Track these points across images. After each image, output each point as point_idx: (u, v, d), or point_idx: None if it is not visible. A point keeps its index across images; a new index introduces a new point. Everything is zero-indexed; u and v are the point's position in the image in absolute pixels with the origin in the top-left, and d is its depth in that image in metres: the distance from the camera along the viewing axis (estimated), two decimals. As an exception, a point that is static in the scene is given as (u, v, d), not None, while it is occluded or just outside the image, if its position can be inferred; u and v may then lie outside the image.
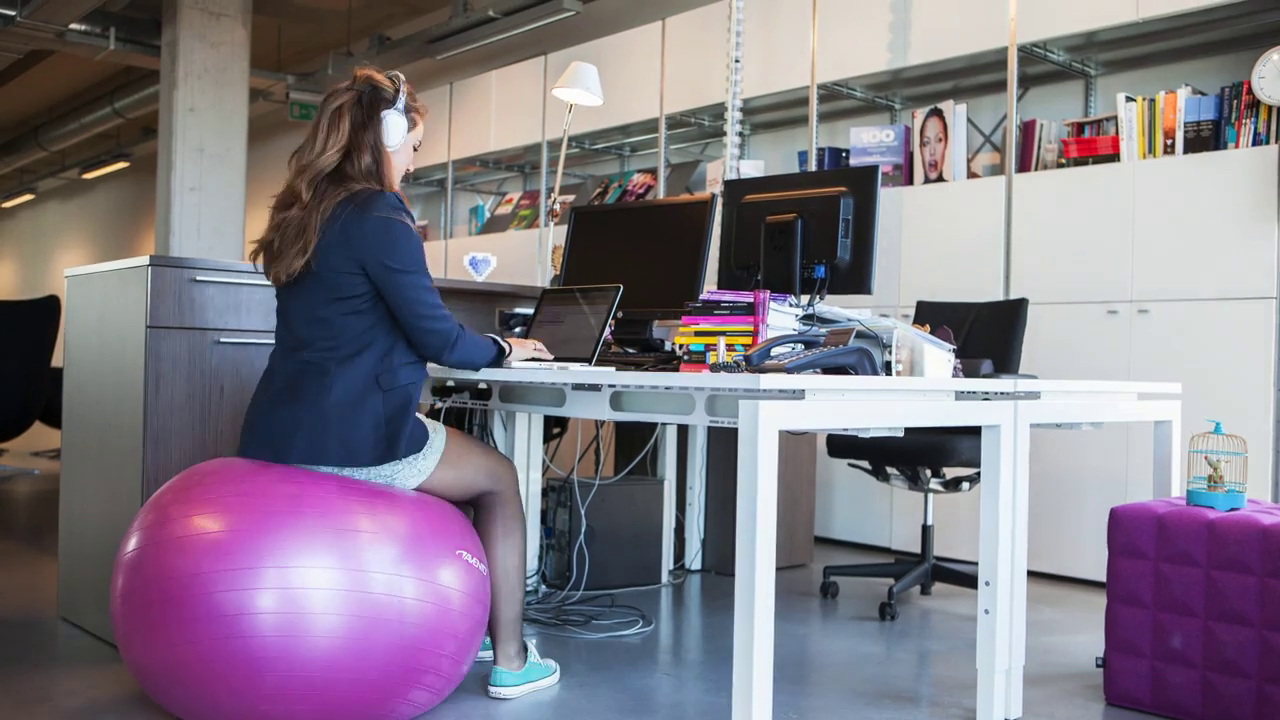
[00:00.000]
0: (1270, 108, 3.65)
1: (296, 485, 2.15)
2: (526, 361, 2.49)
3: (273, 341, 2.45)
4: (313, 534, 2.07)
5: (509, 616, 2.48)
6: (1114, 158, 4.02)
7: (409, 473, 2.31)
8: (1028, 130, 4.33)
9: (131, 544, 2.17)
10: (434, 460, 2.35)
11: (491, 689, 2.48)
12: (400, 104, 2.35)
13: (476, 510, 2.51)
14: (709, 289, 2.55)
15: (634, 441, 4.07)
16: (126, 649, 2.15)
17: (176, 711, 2.15)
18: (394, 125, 2.33)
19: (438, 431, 2.39)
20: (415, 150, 2.46)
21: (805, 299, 2.51)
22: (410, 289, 2.23)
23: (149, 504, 2.23)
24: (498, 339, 2.43)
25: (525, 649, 2.55)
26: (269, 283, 2.35)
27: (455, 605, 2.20)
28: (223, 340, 2.82)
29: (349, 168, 2.29)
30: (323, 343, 2.24)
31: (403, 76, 2.42)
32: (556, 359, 2.55)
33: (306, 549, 2.06)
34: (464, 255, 4.11)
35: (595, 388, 2.39)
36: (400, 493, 2.28)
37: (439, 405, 3.04)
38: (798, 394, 2.00)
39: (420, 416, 2.37)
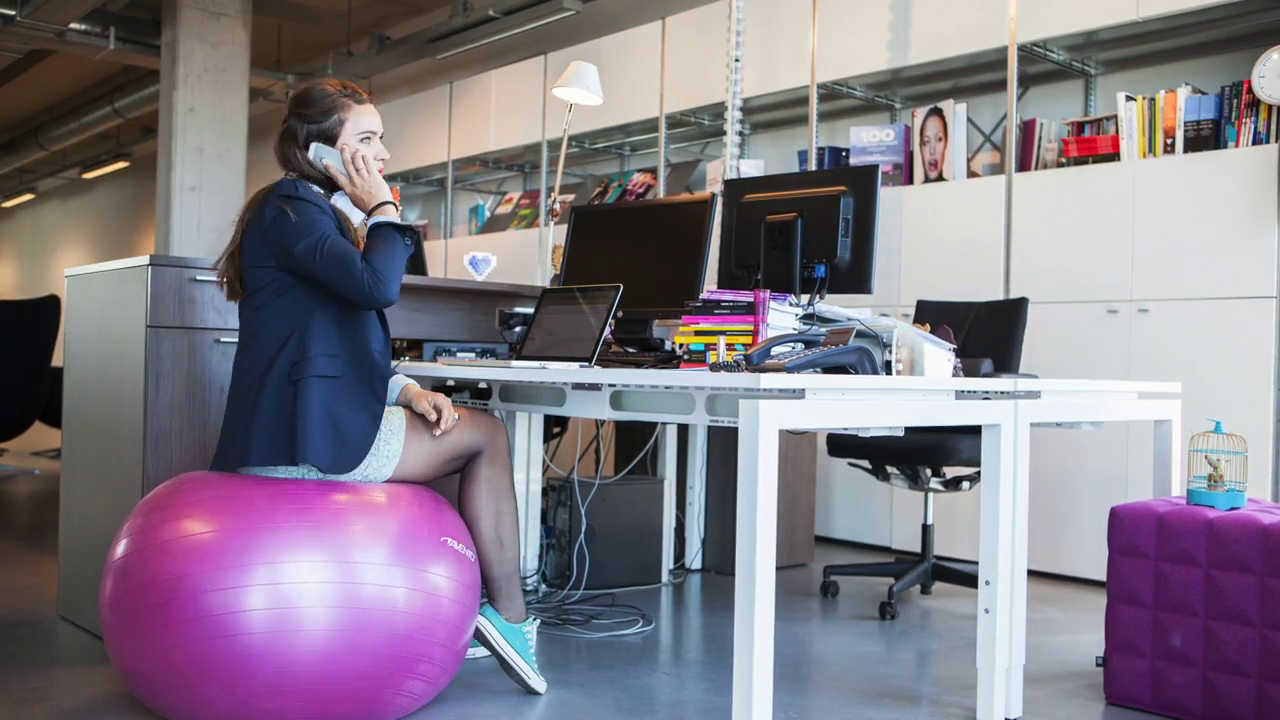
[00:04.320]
0: (1270, 107, 3.65)
1: (274, 486, 2.18)
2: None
3: None
4: (296, 531, 2.09)
5: (493, 576, 2.46)
6: (1114, 157, 4.02)
7: (376, 464, 2.31)
8: (1028, 130, 4.33)
9: (118, 550, 2.18)
10: (397, 445, 2.33)
11: (479, 617, 2.42)
12: (312, 127, 2.38)
13: (461, 473, 2.49)
14: (709, 288, 2.55)
15: (634, 441, 4.07)
16: (117, 655, 2.16)
17: (169, 714, 2.15)
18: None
19: (393, 414, 2.37)
20: (371, 138, 2.41)
21: (805, 298, 2.51)
22: (311, 261, 2.23)
23: (134, 511, 2.25)
24: (387, 222, 2.30)
25: (527, 618, 2.52)
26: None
27: (445, 592, 2.20)
28: (223, 340, 2.82)
29: (301, 181, 2.39)
30: (248, 346, 2.32)
31: (321, 83, 2.42)
32: (555, 358, 2.54)
33: (291, 545, 2.07)
34: (464, 255, 4.11)
35: (595, 387, 2.39)
36: (380, 484, 2.29)
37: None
38: (798, 393, 2.00)
39: (357, 420, 2.29)
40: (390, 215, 2.34)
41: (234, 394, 2.33)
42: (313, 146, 2.37)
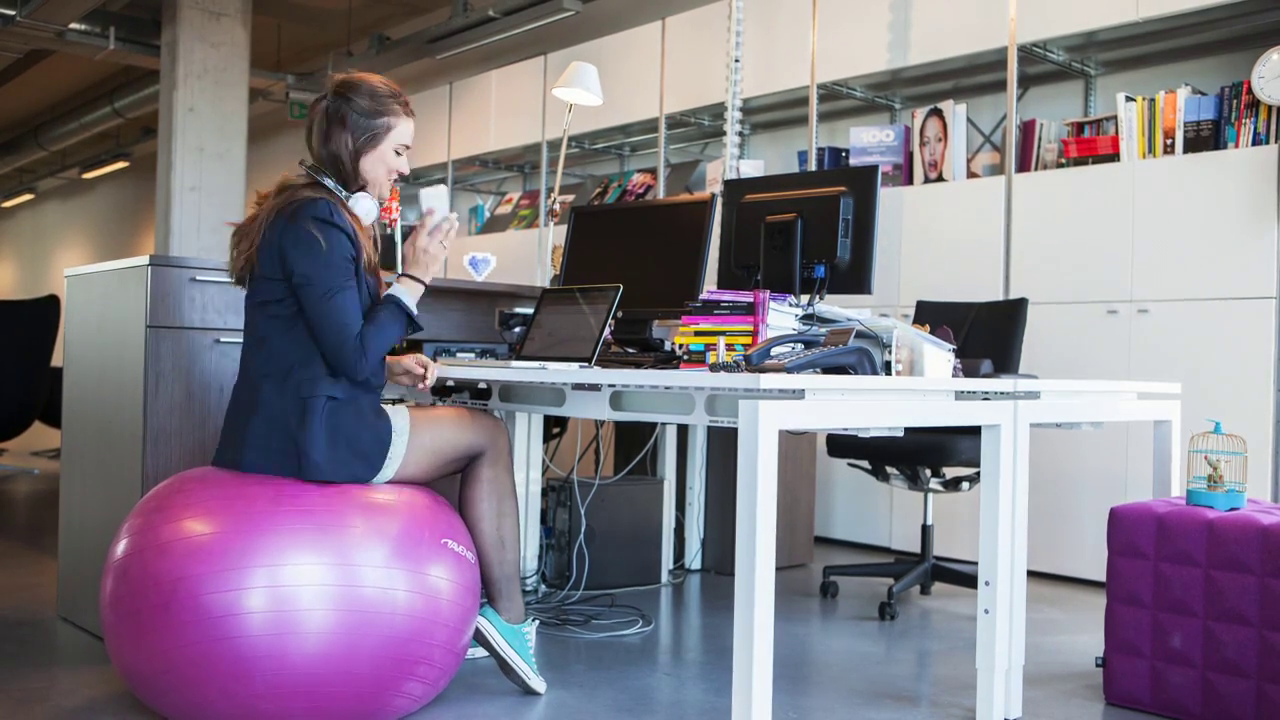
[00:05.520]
0: (1270, 108, 3.65)
1: (275, 487, 2.17)
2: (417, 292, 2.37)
3: None
4: (297, 532, 2.08)
5: (493, 578, 2.47)
6: (1114, 158, 4.02)
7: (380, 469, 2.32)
8: (1027, 130, 4.33)
9: (118, 551, 2.18)
10: (401, 447, 2.33)
11: (479, 618, 2.43)
12: (379, 116, 2.35)
13: (463, 473, 2.50)
14: (709, 289, 2.55)
15: (634, 441, 4.07)
16: (117, 655, 2.16)
17: (170, 714, 2.15)
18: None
19: (397, 415, 2.36)
20: (404, 150, 2.41)
21: (805, 299, 2.51)
22: (310, 303, 2.20)
23: (134, 511, 2.25)
24: (399, 301, 2.30)
25: (526, 619, 2.52)
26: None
27: (444, 594, 2.20)
28: (223, 340, 2.82)
29: (319, 179, 2.35)
30: (261, 347, 2.27)
31: (375, 81, 2.39)
32: (555, 359, 2.54)
33: (291, 547, 2.07)
34: (464, 255, 4.11)
35: (595, 387, 2.39)
36: (381, 485, 2.29)
37: (437, 405, 3.04)
38: (798, 394, 1.99)
39: (367, 423, 2.29)
40: (416, 294, 2.33)
41: (243, 391, 2.30)
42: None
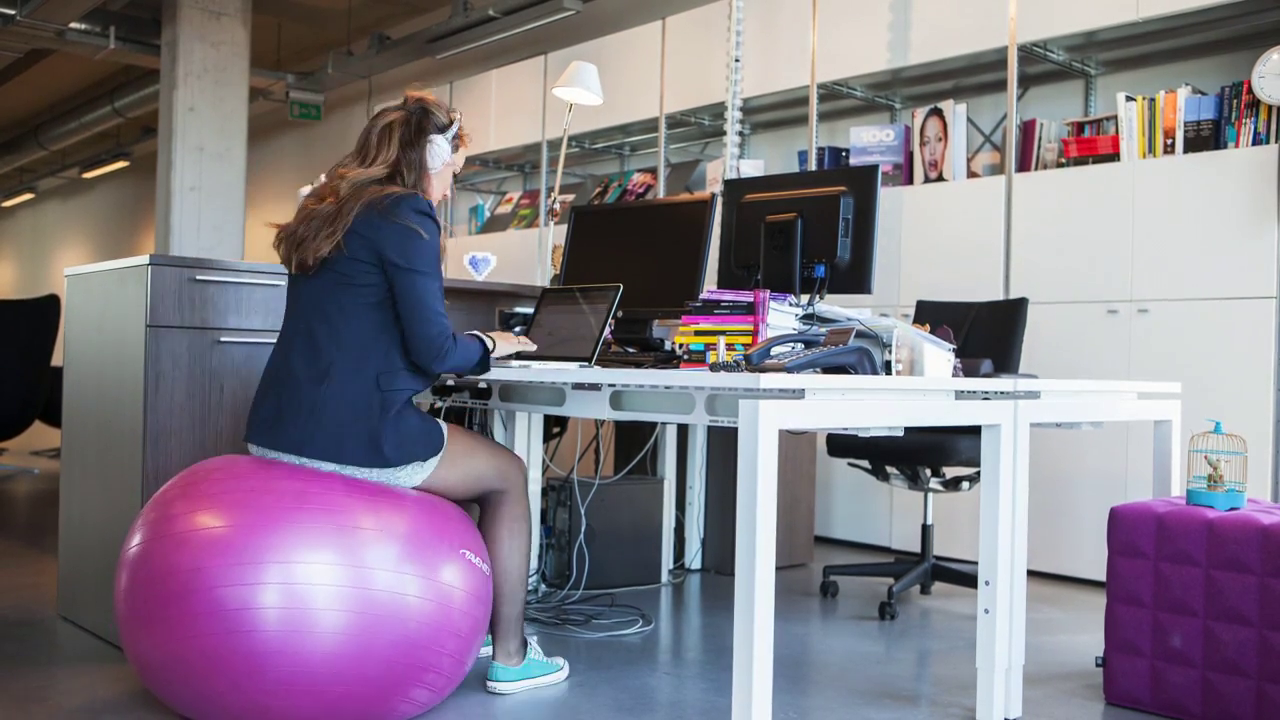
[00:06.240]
0: (1270, 107, 3.65)
1: (300, 482, 2.17)
2: (511, 359, 2.53)
3: (273, 340, 2.45)
4: (316, 531, 2.08)
5: (508, 614, 2.49)
6: (1114, 157, 4.02)
7: (408, 472, 2.32)
8: (1028, 130, 4.33)
9: (134, 541, 2.18)
10: (434, 460, 2.35)
11: (489, 683, 2.50)
12: (449, 131, 2.45)
13: (482, 507, 2.51)
14: (709, 288, 2.55)
15: (634, 441, 4.07)
16: (130, 646, 2.16)
17: (180, 707, 2.15)
18: (439, 148, 2.42)
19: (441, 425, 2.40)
20: (455, 176, 2.53)
21: (805, 298, 2.51)
22: (413, 288, 2.26)
23: (152, 501, 2.24)
24: (482, 337, 2.41)
25: (525, 646, 2.55)
26: (281, 273, 2.42)
27: (457, 604, 2.20)
28: (223, 340, 2.82)
29: (392, 181, 2.38)
30: (327, 335, 2.27)
31: (451, 109, 2.51)
32: (554, 358, 2.55)
33: (309, 545, 2.06)
34: (464, 254, 4.11)
35: (595, 387, 2.39)
36: (404, 491, 2.29)
37: (439, 405, 3.04)
38: (798, 393, 2.00)
39: (424, 417, 2.36)
40: (495, 347, 2.44)
41: (303, 368, 2.27)
42: (439, 137, 2.42)
